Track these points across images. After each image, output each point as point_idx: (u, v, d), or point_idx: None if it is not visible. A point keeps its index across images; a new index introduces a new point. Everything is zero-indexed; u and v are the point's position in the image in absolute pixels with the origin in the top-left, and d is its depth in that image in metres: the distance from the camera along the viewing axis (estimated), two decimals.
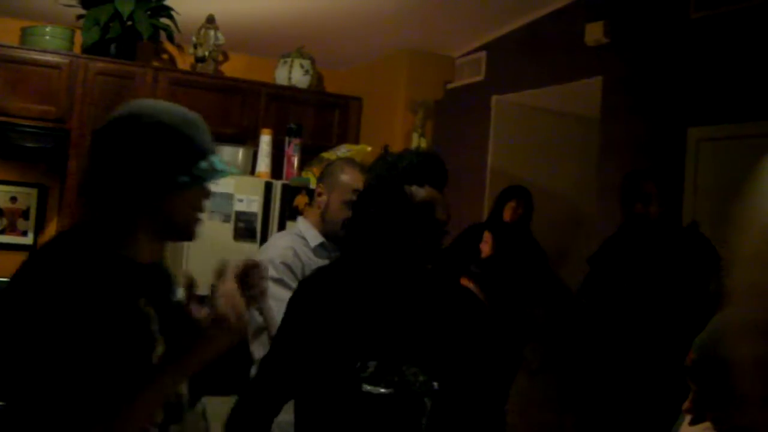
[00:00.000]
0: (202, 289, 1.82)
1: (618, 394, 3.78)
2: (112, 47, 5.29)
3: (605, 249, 4.05)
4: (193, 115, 1.91)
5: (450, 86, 5.84)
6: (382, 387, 2.10)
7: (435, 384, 2.16)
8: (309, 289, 2.38)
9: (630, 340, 3.74)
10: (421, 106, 5.56)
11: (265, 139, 5.05)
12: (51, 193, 5.48)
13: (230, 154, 4.96)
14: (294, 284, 3.32)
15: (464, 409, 2.24)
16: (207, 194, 1.91)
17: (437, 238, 2.25)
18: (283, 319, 2.44)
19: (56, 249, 1.82)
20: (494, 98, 5.54)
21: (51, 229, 5.45)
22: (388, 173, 2.25)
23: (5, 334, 1.73)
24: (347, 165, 3.54)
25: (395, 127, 5.64)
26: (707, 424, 1.70)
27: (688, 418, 1.75)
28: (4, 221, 5.38)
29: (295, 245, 3.39)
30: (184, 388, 1.98)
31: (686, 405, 1.73)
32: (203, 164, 1.84)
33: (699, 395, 1.70)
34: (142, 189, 1.81)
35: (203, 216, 1.92)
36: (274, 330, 3.29)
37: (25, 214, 5.42)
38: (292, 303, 2.39)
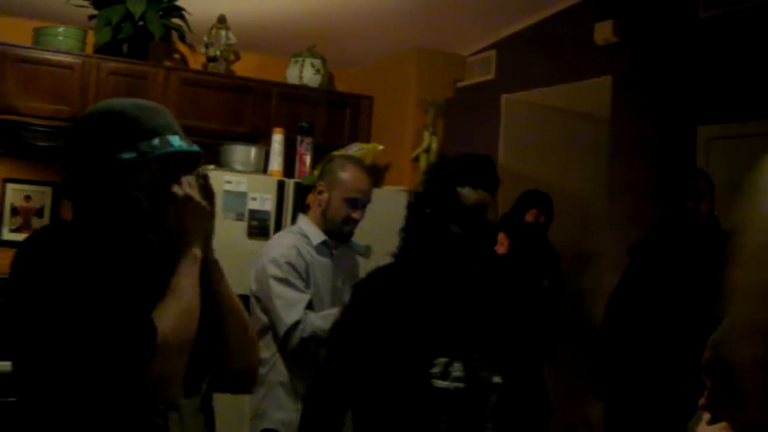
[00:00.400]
0: None
1: (648, 386, 3.80)
2: (124, 47, 5.31)
3: (650, 241, 4.04)
4: (148, 103, 1.96)
5: (460, 84, 5.84)
6: (452, 382, 2.18)
7: (498, 378, 2.25)
8: (369, 292, 2.43)
9: (673, 332, 3.74)
10: (432, 105, 5.57)
11: (277, 138, 5.07)
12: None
13: (242, 153, 4.99)
14: (298, 283, 3.36)
15: (523, 402, 2.33)
16: (172, 175, 1.91)
17: (487, 239, 2.35)
18: (342, 322, 2.49)
19: (52, 230, 1.91)
20: (504, 97, 5.55)
21: None
22: (440, 175, 2.34)
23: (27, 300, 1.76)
24: (347, 162, 3.57)
25: (406, 126, 5.66)
26: (724, 424, 1.72)
27: (706, 416, 1.77)
28: (19, 219, 5.41)
29: (298, 244, 3.42)
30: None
31: (702, 401, 1.75)
32: (154, 141, 1.86)
33: (713, 393, 1.72)
34: (92, 170, 1.85)
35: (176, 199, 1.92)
36: (280, 329, 3.32)
37: (39, 213, 5.46)
38: (354, 305, 2.44)
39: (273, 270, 3.34)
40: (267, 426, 3.42)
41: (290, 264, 3.35)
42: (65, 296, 1.68)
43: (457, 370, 2.20)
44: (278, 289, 3.32)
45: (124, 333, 1.67)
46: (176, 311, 1.76)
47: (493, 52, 5.69)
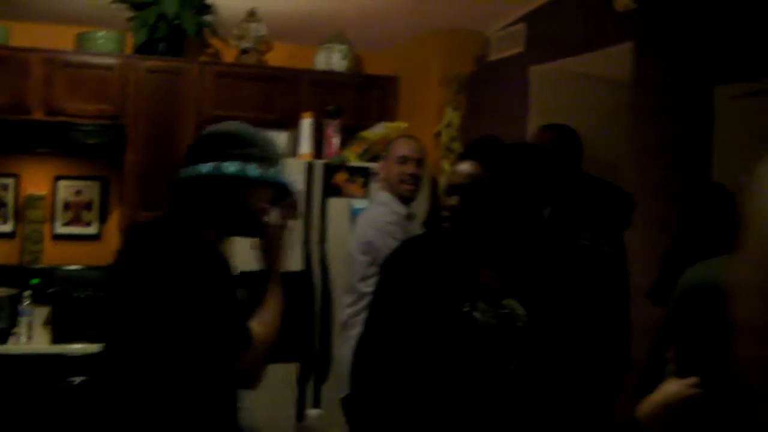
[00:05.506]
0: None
1: None
2: (161, 46, 5.58)
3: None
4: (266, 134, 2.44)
5: (487, 59, 5.93)
6: (488, 318, 2.40)
7: (524, 321, 2.41)
8: (404, 252, 2.72)
9: None
10: (454, 81, 5.71)
11: (306, 122, 5.29)
12: (112, 185, 5.84)
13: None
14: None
15: (554, 347, 2.46)
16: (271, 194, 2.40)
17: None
18: (387, 278, 2.70)
19: (163, 231, 2.32)
20: (532, 68, 5.62)
21: (114, 219, 5.84)
22: None
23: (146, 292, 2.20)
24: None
25: (430, 103, 5.82)
26: (693, 379, 1.62)
27: (671, 368, 1.70)
28: (70, 214, 5.75)
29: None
30: None
31: (669, 354, 1.72)
32: (272, 168, 2.33)
33: (680, 352, 1.68)
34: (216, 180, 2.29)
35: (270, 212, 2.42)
36: None
37: (88, 206, 5.79)
38: (392, 265, 2.70)
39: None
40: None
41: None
42: (187, 302, 2.14)
43: (483, 310, 2.40)
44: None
45: (230, 333, 2.19)
46: (265, 322, 2.33)
47: (522, 26, 5.74)
